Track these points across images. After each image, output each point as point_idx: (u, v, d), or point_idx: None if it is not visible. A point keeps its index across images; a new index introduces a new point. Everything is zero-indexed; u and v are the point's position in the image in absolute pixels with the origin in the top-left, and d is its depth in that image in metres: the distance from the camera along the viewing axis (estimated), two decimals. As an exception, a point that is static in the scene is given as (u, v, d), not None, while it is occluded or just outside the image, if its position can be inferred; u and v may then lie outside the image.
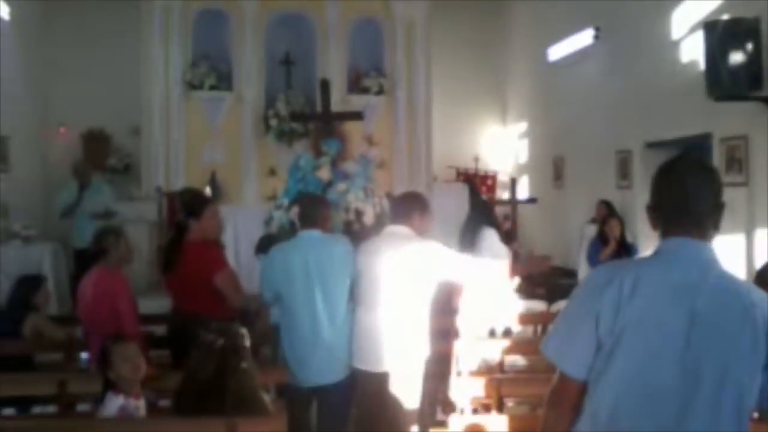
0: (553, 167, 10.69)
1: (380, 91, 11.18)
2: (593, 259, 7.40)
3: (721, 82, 6.01)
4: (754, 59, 5.87)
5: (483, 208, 5.93)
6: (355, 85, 11.26)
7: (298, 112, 9.45)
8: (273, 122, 10.74)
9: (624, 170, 8.82)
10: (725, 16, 6.32)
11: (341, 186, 5.52)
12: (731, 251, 6.77)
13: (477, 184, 10.65)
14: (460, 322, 5.04)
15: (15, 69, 9.99)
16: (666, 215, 2.08)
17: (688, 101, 7.01)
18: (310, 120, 8.31)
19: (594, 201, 8.87)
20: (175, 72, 10.72)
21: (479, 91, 12.33)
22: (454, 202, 8.90)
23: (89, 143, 11.19)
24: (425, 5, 11.33)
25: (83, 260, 6.78)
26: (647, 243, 7.42)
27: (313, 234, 4.29)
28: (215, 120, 10.88)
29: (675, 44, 7.61)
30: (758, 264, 6.65)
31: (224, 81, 10.91)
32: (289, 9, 11.16)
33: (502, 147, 12.43)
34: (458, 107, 12.04)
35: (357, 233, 5.18)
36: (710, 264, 2.03)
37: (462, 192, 8.68)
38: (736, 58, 5.88)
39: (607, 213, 8.16)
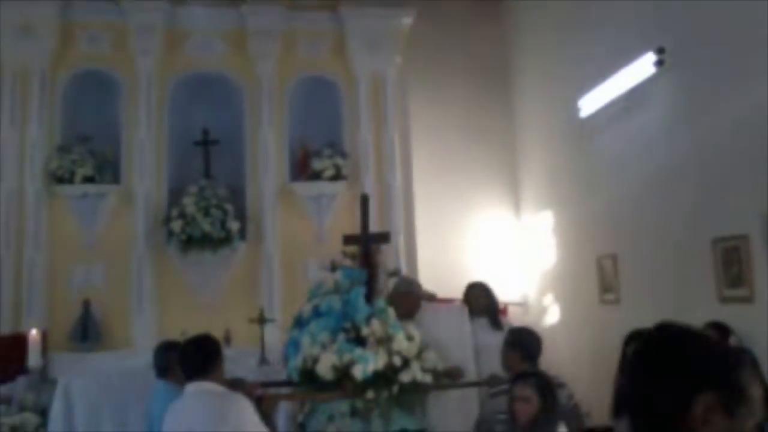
0: (599, 274, 7.06)
1: (337, 176, 7.79)
2: None
3: None
4: None
5: None
6: (303, 169, 7.90)
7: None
8: (176, 225, 7.26)
9: (733, 269, 5.24)
10: None
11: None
12: None
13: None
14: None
15: None
16: None
17: None
18: (349, 243, 5.58)
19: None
20: (34, 160, 7.37)
21: (479, 172, 8.61)
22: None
23: None
24: (397, 57, 8.10)
25: None
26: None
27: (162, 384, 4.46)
28: (92, 226, 7.45)
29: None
30: None
31: (107, 171, 7.57)
32: (204, 68, 7.93)
33: (513, 250, 8.77)
34: (449, 196, 8.46)
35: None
36: None
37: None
38: None
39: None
